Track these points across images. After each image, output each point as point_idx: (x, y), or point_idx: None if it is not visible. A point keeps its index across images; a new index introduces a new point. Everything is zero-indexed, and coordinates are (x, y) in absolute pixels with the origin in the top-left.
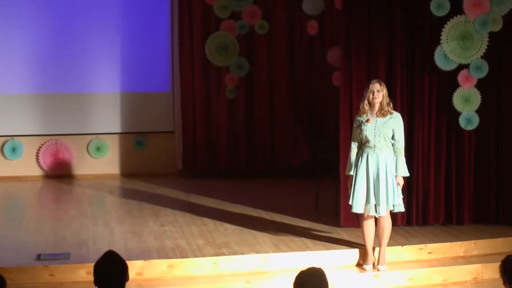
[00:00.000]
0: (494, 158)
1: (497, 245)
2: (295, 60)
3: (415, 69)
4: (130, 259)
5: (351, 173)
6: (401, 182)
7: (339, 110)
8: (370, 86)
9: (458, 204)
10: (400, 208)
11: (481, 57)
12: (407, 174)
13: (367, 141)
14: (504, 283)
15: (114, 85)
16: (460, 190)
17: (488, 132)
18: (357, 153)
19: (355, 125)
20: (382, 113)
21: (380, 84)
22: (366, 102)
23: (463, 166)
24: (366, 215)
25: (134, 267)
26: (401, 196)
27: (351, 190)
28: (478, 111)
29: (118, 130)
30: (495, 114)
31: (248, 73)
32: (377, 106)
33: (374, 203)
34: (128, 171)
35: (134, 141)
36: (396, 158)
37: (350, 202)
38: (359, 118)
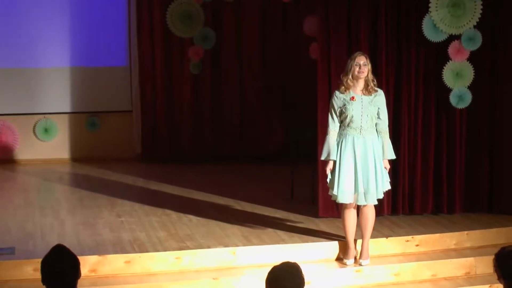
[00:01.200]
0: (488, 139)
1: (492, 236)
2: (267, 30)
3: (401, 40)
4: (82, 254)
5: (332, 157)
6: (388, 165)
7: (317, 87)
8: (356, 59)
9: (448, 191)
10: (380, 195)
11: (474, 26)
12: (393, 156)
13: (352, 121)
14: (499, 278)
15: (63, 59)
16: (451, 175)
17: (482, 111)
18: (337, 135)
19: (334, 102)
20: (368, 89)
21: (366, 58)
22: (350, 76)
23: (453, 149)
24: (348, 203)
25: (87, 263)
26: (389, 180)
27: (334, 177)
28: (470, 87)
29: (69, 110)
30: (489, 91)
31: (215, 46)
32: (362, 82)
33: (363, 191)
34: (80, 156)
35: (86, 121)
36: (382, 140)
37: (334, 192)
38: (340, 95)
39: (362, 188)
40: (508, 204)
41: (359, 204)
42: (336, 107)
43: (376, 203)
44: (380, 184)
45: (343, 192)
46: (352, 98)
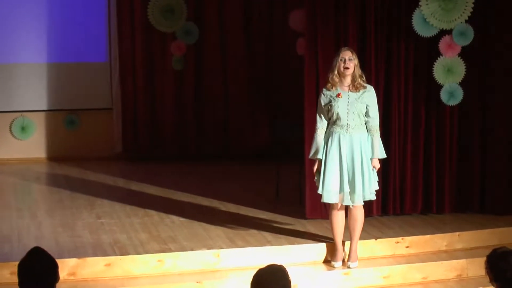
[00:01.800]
0: (479, 137)
1: (484, 237)
2: (252, 24)
3: (390, 35)
4: (61, 257)
5: (319, 156)
6: (377, 165)
7: (304, 84)
8: (341, 54)
9: (438, 190)
10: (372, 196)
11: (466, 21)
12: (384, 155)
13: (338, 119)
14: (491, 280)
15: (41, 55)
16: (441, 174)
17: (473, 108)
18: (325, 133)
19: (321, 100)
20: (355, 86)
21: (352, 52)
22: (335, 72)
23: (444, 147)
24: (335, 204)
25: (66, 266)
26: (377, 180)
27: (319, 177)
28: (462, 84)
29: (46, 107)
30: (481, 87)
31: (198, 40)
32: (348, 78)
33: (349, 191)
34: (58, 155)
35: (65, 119)
36: (372, 138)
37: (319, 191)
38: (327, 92)
39: (348, 188)
40: (500, 204)
41: (345, 204)
42: (323, 105)
43: (362, 203)
44: (367, 184)
45: (328, 191)
46: (338, 95)
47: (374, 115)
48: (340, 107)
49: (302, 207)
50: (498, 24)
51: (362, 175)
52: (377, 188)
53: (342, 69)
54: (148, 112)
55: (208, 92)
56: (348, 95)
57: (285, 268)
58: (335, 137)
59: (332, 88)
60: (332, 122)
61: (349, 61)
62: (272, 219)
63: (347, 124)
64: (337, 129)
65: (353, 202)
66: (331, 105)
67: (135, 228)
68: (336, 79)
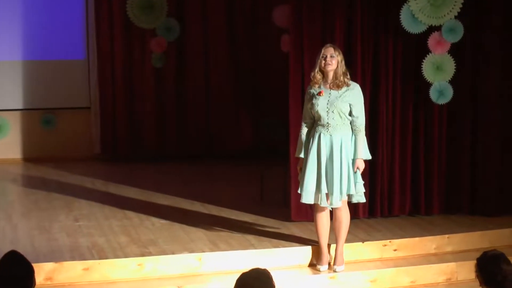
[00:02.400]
0: (469, 137)
1: (474, 239)
2: (235, 21)
3: (378, 31)
4: (37, 261)
5: (301, 155)
6: (362, 166)
7: (289, 82)
8: (323, 50)
9: (427, 191)
10: (360, 198)
11: (455, 17)
12: (368, 156)
13: (319, 118)
14: (481, 284)
15: (16, 52)
16: (429, 174)
17: (463, 107)
18: (309, 132)
19: (306, 98)
20: (336, 84)
21: (334, 49)
22: (317, 69)
23: (433, 147)
24: (319, 206)
25: (43, 271)
26: (362, 183)
27: (301, 176)
28: (451, 82)
29: (22, 106)
30: (471, 86)
31: (179, 37)
32: (330, 75)
33: (326, 192)
34: (35, 155)
35: (41, 119)
36: (355, 138)
37: (299, 191)
38: (310, 90)
39: (326, 189)
40: (491, 205)
41: (322, 205)
42: (307, 102)
43: (339, 205)
44: (344, 185)
45: (307, 191)
46: (320, 93)
47: (359, 114)
48: (320, 106)
49: (287, 209)
50: (488, 20)
51: (340, 176)
52: (364, 190)
53: (323, 65)
54: (127, 111)
55: (189, 91)
56: (330, 93)
57: (269, 272)
58: (316, 136)
59: (315, 85)
60: (315, 121)
61: (331, 58)
62: (256, 221)
63: (328, 123)
64: (319, 128)
65: (330, 204)
66: (312, 104)
67: (114, 231)
68: (318, 77)
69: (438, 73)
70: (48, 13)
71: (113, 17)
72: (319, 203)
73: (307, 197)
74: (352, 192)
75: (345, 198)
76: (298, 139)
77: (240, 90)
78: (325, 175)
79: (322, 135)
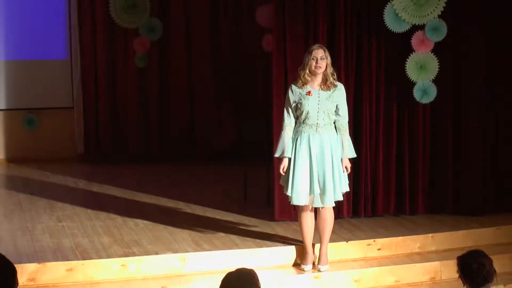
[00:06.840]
0: (453, 136)
1: (458, 239)
2: (218, 20)
3: (361, 30)
4: (20, 262)
5: (287, 155)
6: (349, 165)
7: (271, 81)
8: (313, 52)
9: (411, 191)
10: (339, 196)
11: (439, 16)
12: (354, 155)
13: (308, 118)
14: (464, 283)
15: None
16: (414, 174)
17: (447, 106)
18: (294, 132)
19: (290, 96)
20: (326, 85)
21: (324, 51)
22: (307, 71)
23: (417, 146)
24: (304, 205)
25: (25, 271)
26: (348, 182)
27: (288, 177)
28: (435, 81)
29: (3, 106)
30: (454, 85)
31: (162, 37)
32: (320, 76)
33: (319, 192)
34: (17, 156)
35: (23, 119)
36: (341, 138)
37: (288, 193)
38: (297, 89)
39: (318, 189)
40: (475, 204)
41: (315, 206)
42: (291, 102)
43: (333, 205)
44: (337, 185)
45: (297, 193)
46: (309, 93)
47: (344, 113)
48: (311, 106)
49: (271, 209)
50: (470, 19)
51: (333, 176)
52: (348, 189)
53: (313, 68)
54: (110, 112)
55: (172, 91)
56: (319, 94)
57: (255, 272)
58: (304, 137)
59: (302, 85)
60: (300, 121)
61: (321, 60)
62: (239, 221)
63: (317, 123)
64: (306, 129)
65: (323, 204)
66: (300, 103)
67: (97, 232)
68: (308, 77)
69: (422, 72)
70: (30, 12)
71: (96, 16)
72: (312, 204)
73: (299, 199)
74: (347, 190)
75: (340, 198)
76: (281, 139)
77: (223, 90)
78: (317, 176)
79: (311, 135)
